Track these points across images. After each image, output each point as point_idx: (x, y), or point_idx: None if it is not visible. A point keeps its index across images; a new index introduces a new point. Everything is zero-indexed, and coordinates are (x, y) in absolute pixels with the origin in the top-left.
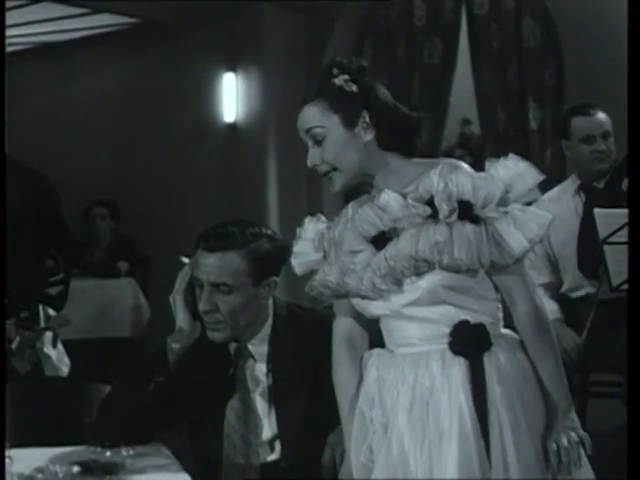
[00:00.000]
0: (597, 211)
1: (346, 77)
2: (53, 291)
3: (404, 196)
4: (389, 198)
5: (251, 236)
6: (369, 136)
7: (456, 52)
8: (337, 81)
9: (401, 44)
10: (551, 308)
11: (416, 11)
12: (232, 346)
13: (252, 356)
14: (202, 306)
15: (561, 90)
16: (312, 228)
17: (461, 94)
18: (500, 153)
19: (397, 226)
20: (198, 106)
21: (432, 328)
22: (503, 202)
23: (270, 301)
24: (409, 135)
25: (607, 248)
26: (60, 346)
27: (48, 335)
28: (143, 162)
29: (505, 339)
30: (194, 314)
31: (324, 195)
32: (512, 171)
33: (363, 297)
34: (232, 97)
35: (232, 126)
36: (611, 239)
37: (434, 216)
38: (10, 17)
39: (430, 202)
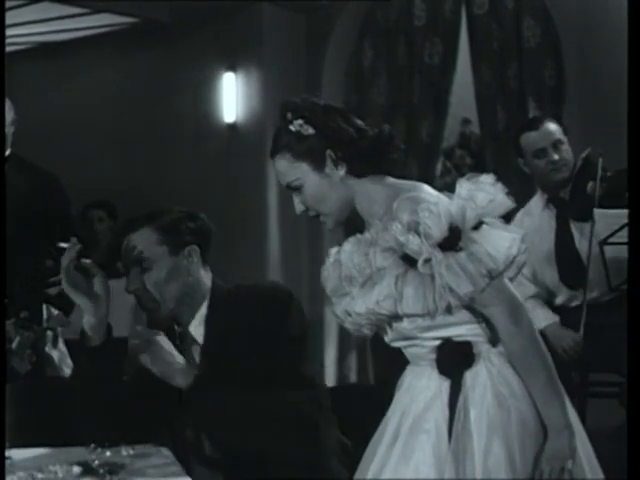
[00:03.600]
0: (597, 211)
1: (300, 121)
2: (53, 291)
3: (371, 244)
4: (351, 255)
5: (158, 212)
6: (341, 171)
7: (456, 52)
8: (293, 128)
9: (401, 44)
10: (545, 315)
11: (416, 11)
12: (177, 331)
13: (195, 340)
14: (130, 286)
15: (561, 90)
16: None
17: (461, 94)
18: (500, 153)
19: (366, 279)
20: (198, 106)
21: (421, 351)
22: (451, 245)
23: (208, 283)
24: (382, 154)
25: (607, 248)
26: (63, 347)
27: (49, 335)
28: (143, 162)
29: (492, 353)
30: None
31: None
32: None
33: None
34: (232, 97)
35: (232, 126)
36: (611, 239)
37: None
38: (10, 17)
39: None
